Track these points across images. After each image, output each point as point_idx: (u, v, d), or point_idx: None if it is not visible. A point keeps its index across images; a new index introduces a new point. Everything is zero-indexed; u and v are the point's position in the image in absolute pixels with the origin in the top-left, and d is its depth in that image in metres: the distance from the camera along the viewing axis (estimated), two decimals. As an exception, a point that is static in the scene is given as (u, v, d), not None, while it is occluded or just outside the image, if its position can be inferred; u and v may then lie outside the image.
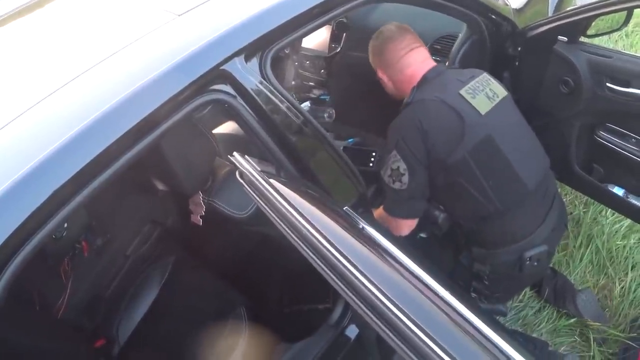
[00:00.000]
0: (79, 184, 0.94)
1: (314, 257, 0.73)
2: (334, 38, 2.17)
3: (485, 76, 1.51)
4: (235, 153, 0.91)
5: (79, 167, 0.93)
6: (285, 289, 1.93)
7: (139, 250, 1.81)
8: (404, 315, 0.66)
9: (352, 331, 1.67)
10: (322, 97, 2.31)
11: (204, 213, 1.45)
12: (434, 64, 1.52)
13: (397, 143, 1.38)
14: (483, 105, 1.40)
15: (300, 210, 0.73)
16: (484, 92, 1.43)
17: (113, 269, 1.79)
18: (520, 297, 2.03)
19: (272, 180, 0.80)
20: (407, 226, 1.47)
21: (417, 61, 1.51)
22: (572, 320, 1.92)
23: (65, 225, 1.44)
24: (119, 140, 0.97)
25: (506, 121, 1.46)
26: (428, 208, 1.50)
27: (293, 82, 2.19)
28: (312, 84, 2.34)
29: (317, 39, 2.22)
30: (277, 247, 1.69)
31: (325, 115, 2.16)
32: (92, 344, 1.67)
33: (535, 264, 1.47)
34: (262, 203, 0.80)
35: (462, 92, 1.39)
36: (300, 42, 2.21)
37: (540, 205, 1.52)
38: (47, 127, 0.99)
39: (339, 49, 2.15)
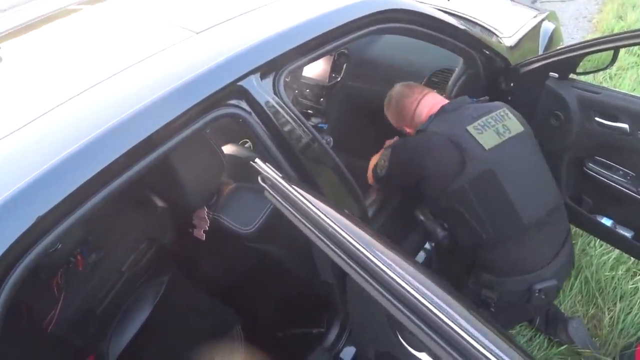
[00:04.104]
0: (91, 189, 0.94)
1: (339, 254, 0.75)
2: (335, 68, 2.24)
3: (503, 112, 1.56)
4: (257, 159, 0.94)
5: (94, 172, 0.94)
6: (280, 311, 1.92)
7: (134, 267, 1.78)
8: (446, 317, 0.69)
9: (347, 355, 1.67)
10: (320, 125, 2.38)
11: (207, 228, 1.46)
12: (446, 100, 1.63)
13: (392, 155, 1.57)
14: (490, 140, 1.45)
15: (325, 211, 0.76)
16: (495, 128, 1.49)
17: (107, 284, 1.75)
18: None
19: (294, 185, 0.83)
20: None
21: (431, 102, 1.62)
22: (562, 348, 1.94)
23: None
24: (135, 148, 0.99)
25: (512, 157, 1.49)
26: (432, 224, 1.58)
27: (292, 109, 2.25)
28: (310, 111, 2.41)
29: (318, 69, 2.30)
30: (274, 268, 1.70)
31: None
32: (81, 361, 1.62)
33: (543, 297, 1.50)
34: (285, 205, 0.82)
35: (470, 128, 1.46)
36: (302, 70, 2.29)
37: (543, 240, 1.54)
38: (60, 133, 1.00)
39: (339, 78, 2.22)
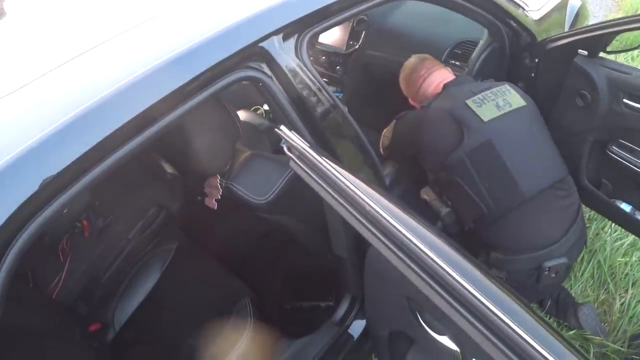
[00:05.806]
0: (100, 153, 0.88)
1: (372, 229, 0.70)
2: (353, 35, 2.15)
3: (504, 87, 1.58)
4: (282, 127, 0.88)
5: (104, 135, 0.88)
6: (289, 284, 1.89)
7: (141, 234, 1.74)
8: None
9: (355, 329, 1.65)
10: (335, 94, 2.30)
11: (220, 197, 1.41)
12: (454, 77, 1.67)
13: (395, 127, 1.68)
14: (488, 113, 1.47)
15: (361, 188, 0.71)
16: (495, 102, 1.51)
17: (113, 251, 1.71)
18: (521, 307, 2.03)
19: (324, 157, 0.77)
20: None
21: (437, 80, 1.67)
22: (571, 332, 1.92)
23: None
24: (148, 111, 0.93)
25: (512, 129, 1.51)
26: (436, 202, 1.60)
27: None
28: (325, 80, 2.32)
29: (335, 35, 2.20)
30: (286, 240, 1.66)
31: (337, 112, 2.14)
32: (86, 328, 1.60)
33: (553, 275, 1.46)
34: (314, 177, 0.76)
35: (469, 101, 1.49)
36: (318, 36, 2.19)
37: (550, 214, 1.50)
38: (68, 92, 0.95)
39: (357, 46, 2.14)
